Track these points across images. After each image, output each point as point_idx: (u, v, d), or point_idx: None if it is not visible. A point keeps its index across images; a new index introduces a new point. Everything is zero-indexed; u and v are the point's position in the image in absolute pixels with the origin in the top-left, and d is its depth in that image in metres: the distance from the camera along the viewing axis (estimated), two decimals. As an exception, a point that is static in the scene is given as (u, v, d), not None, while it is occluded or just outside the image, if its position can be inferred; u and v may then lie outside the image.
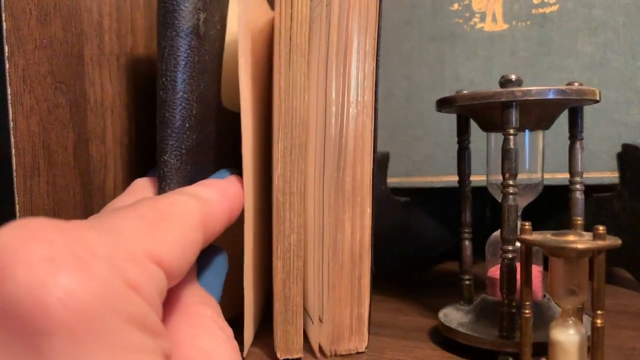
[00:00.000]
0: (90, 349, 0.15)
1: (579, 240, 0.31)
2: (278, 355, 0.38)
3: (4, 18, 0.36)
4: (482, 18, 0.57)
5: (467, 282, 0.44)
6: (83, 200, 0.41)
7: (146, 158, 0.47)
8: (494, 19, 0.57)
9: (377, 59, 0.38)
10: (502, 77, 0.36)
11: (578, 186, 0.40)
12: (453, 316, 0.41)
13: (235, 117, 0.44)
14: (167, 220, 0.22)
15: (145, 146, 0.47)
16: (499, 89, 0.36)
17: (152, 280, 0.19)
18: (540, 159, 0.40)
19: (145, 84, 0.47)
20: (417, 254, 0.63)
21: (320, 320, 0.39)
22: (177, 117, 0.37)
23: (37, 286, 0.15)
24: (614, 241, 0.31)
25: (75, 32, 0.41)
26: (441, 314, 0.42)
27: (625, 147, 0.54)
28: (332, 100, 0.38)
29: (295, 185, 0.39)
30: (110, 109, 0.44)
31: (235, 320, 0.44)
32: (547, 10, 0.56)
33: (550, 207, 0.60)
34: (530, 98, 0.35)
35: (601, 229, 0.30)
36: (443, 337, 0.41)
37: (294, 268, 0.39)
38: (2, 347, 0.15)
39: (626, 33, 0.55)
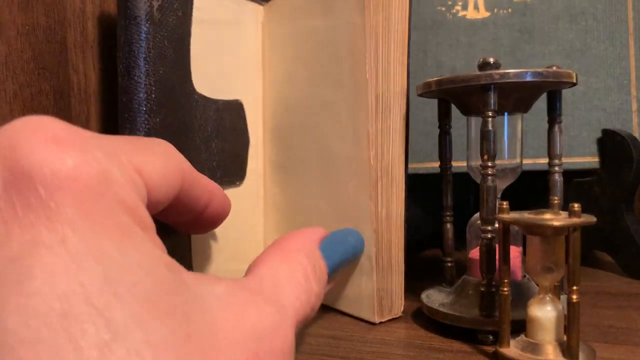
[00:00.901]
0: (91, 215, 0.17)
1: (554, 218, 0.32)
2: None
3: (-15, 4, 0.36)
4: (465, 6, 0.58)
5: (449, 265, 0.44)
6: (67, 187, 0.41)
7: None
8: (476, 7, 0.58)
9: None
10: (481, 60, 0.37)
11: (557, 168, 0.41)
12: (435, 297, 0.42)
13: (209, 101, 0.45)
14: (150, 149, 0.23)
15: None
16: (478, 72, 0.36)
17: (136, 185, 0.20)
18: (520, 142, 0.41)
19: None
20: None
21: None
22: (134, 102, 0.38)
23: (49, 160, 0.17)
24: (588, 219, 0.32)
25: (57, 19, 0.41)
26: (423, 295, 0.43)
27: (605, 132, 0.55)
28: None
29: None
30: (95, 96, 0.44)
31: None
32: (529, -3, 0.57)
33: (533, 193, 0.60)
34: (508, 80, 0.36)
35: (576, 206, 0.31)
36: (425, 318, 0.41)
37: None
38: (13, 212, 0.17)
39: (606, 20, 0.56)
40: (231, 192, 0.43)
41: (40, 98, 0.39)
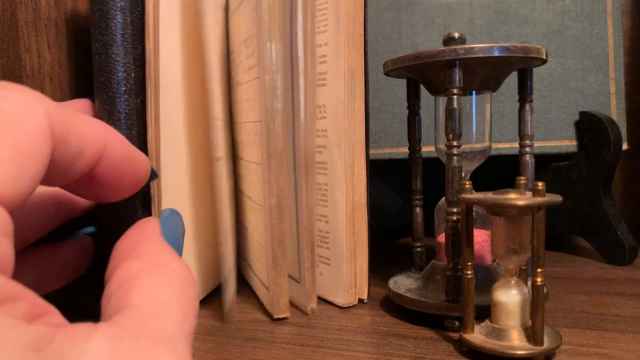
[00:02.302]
0: None
1: (519, 198, 0.30)
2: (275, 315, 0.39)
3: None
4: (440, -14, 0.56)
5: (419, 250, 0.43)
6: (19, 170, 0.39)
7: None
8: (452, -13, 0.56)
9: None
10: (446, 34, 0.35)
11: (527, 149, 0.39)
12: (402, 283, 0.41)
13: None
14: None
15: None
16: (442, 47, 0.35)
17: None
18: (489, 122, 0.40)
19: (85, 51, 0.45)
20: (375, 226, 0.62)
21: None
22: (113, 82, 0.36)
23: None
24: (553, 198, 0.30)
25: (6, -5, 0.39)
26: (391, 281, 0.41)
27: (582, 114, 0.54)
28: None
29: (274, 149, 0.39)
30: (49, 77, 0.42)
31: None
32: (505, -23, 0.55)
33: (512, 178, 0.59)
34: (474, 56, 0.34)
35: (540, 185, 0.30)
36: (393, 304, 0.40)
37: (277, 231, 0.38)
38: None
39: (584, 0, 0.55)
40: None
41: (-12, 77, 0.37)
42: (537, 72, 0.55)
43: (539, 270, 0.30)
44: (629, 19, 0.68)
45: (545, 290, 0.37)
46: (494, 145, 0.53)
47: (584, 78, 0.55)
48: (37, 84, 0.41)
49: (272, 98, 0.38)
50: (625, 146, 0.54)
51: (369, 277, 0.42)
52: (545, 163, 0.57)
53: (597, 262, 0.53)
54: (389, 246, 0.64)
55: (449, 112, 0.35)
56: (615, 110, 0.55)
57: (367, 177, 0.42)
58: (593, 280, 0.47)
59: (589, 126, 0.53)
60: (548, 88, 0.55)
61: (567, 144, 0.55)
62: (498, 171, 0.48)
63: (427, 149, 0.44)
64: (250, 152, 0.43)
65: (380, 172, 0.62)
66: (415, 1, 0.57)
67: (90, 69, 0.44)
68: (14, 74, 0.39)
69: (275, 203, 0.38)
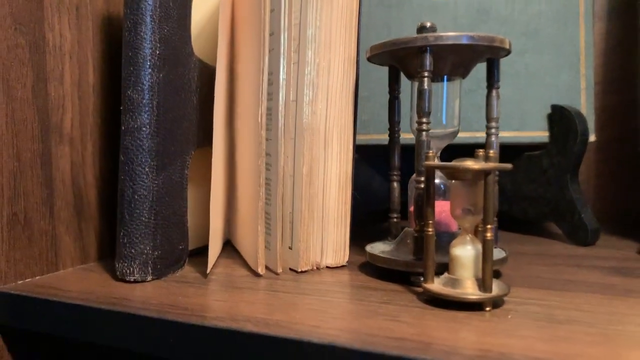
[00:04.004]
0: None
1: (474, 164, 0.35)
2: (259, 271, 0.44)
3: (-35, -40, 0.39)
4: (427, -14, 0.61)
5: (395, 220, 0.48)
6: (40, 135, 0.44)
7: (103, 103, 0.50)
8: (438, -13, 0.61)
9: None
10: (419, 24, 0.40)
11: (493, 130, 0.44)
12: (378, 247, 0.45)
13: (205, 66, 0.49)
14: None
15: (102, 91, 0.50)
16: (415, 35, 0.39)
17: None
18: (458, 107, 0.44)
19: (103, 34, 0.50)
20: (364, 207, 0.67)
21: (290, 248, 0.46)
22: (139, 57, 0.41)
23: None
24: (503, 165, 0.35)
25: (35, -20, 0.44)
26: (368, 246, 0.46)
27: (553, 107, 0.58)
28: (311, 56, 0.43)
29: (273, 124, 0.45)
30: (69, 55, 0.47)
31: (202, 249, 0.49)
32: (487, -20, 0.60)
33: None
34: (442, 43, 0.39)
35: (492, 152, 0.34)
36: (370, 267, 0.45)
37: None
38: None
39: (559, 3, 0.60)
40: (208, 151, 0.47)
41: (16, 51, 0.42)
42: (515, 68, 0.60)
43: (488, 226, 0.35)
44: (605, 23, 0.73)
45: (505, 254, 0.42)
46: (473, 134, 0.58)
47: (557, 74, 0.59)
48: (58, 61, 0.46)
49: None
50: (593, 138, 0.58)
51: (352, 247, 0.47)
52: (520, 152, 0.61)
53: (563, 244, 0.57)
54: (375, 227, 0.68)
55: (420, 92, 0.40)
56: (584, 104, 0.59)
57: (354, 154, 0.47)
58: (555, 256, 0.51)
59: (559, 118, 0.57)
60: (524, 82, 0.60)
61: (540, 134, 0.59)
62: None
63: (407, 135, 0.48)
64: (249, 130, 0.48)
65: (368, 156, 0.67)
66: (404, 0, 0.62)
67: (103, 51, 0.50)
68: (39, 50, 0.44)
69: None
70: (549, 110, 0.59)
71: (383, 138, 0.62)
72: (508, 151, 0.61)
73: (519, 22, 0.60)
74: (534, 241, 0.59)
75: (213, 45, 0.50)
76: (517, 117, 0.60)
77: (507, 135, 0.60)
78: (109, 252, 0.51)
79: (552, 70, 0.59)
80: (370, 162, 0.68)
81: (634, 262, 0.48)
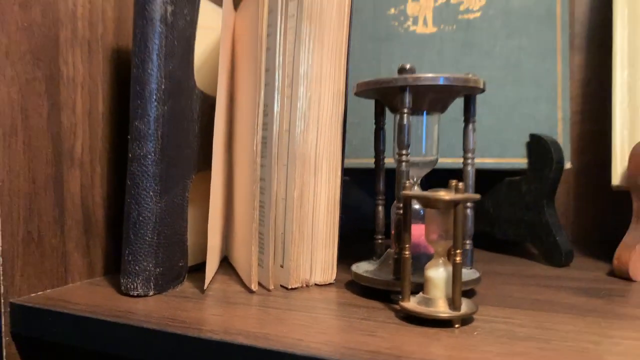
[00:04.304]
0: None
1: (446, 194, 0.39)
2: (252, 287, 0.48)
3: (-9, 3, 0.43)
4: (415, 22, 0.66)
5: (380, 241, 0.52)
6: (54, 160, 0.48)
7: (111, 129, 0.55)
8: (425, 23, 0.65)
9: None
10: (400, 65, 0.44)
11: (469, 161, 0.48)
12: (363, 266, 0.49)
13: (206, 96, 0.53)
14: None
15: (110, 119, 0.54)
16: (397, 76, 0.44)
17: None
18: (436, 138, 0.48)
19: (112, 66, 0.55)
20: (354, 227, 0.71)
21: (282, 266, 0.50)
22: (146, 91, 0.45)
23: None
24: (471, 195, 0.39)
25: (52, 18, 0.48)
26: (354, 266, 0.50)
27: (532, 136, 0.62)
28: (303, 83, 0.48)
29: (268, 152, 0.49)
30: (81, 86, 0.51)
31: (200, 265, 0.53)
32: (471, 16, 0.65)
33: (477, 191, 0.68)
34: (420, 84, 0.43)
35: (460, 185, 0.38)
36: (356, 285, 0.49)
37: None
38: None
39: (538, 38, 0.64)
40: (207, 174, 0.51)
41: (34, 83, 0.46)
42: (496, 99, 0.64)
43: (458, 251, 0.39)
44: (584, 56, 0.77)
45: (478, 275, 0.46)
46: (453, 161, 0.62)
47: (535, 105, 0.63)
48: (71, 91, 0.50)
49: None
50: (568, 165, 0.62)
51: (340, 265, 0.51)
52: (501, 177, 0.65)
53: (540, 265, 0.61)
54: (362, 245, 0.72)
55: (400, 127, 0.44)
56: (561, 134, 0.63)
57: (341, 179, 0.51)
58: (530, 277, 0.55)
59: (537, 147, 0.61)
60: (505, 113, 0.64)
61: (519, 161, 0.63)
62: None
63: (391, 160, 0.52)
64: (244, 157, 0.52)
65: (359, 179, 0.71)
66: (393, 34, 0.66)
67: (112, 82, 0.54)
68: (54, 82, 0.49)
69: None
70: (528, 139, 0.63)
71: (372, 162, 0.66)
72: (491, 176, 0.65)
73: (500, 56, 0.64)
74: (513, 261, 0.63)
75: (213, 77, 0.54)
76: (498, 144, 0.64)
77: (489, 161, 0.64)
78: (113, 268, 0.55)
79: (531, 101, 0.64)
80: (360, 184, 0.72)
81: (602, 283, 0.52)
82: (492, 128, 0.64)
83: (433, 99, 0.46)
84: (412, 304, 0.40)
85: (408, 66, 0.44)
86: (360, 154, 0.66)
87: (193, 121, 0.51)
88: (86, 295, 0.47)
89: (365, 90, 0.47)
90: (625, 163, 0.58)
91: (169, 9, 0.46)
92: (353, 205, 0.71)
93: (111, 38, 0.55)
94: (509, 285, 0.51)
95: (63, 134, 0.49)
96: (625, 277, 0.53)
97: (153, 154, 0.46)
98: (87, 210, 0.52)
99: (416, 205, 0.47)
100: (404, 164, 0.44)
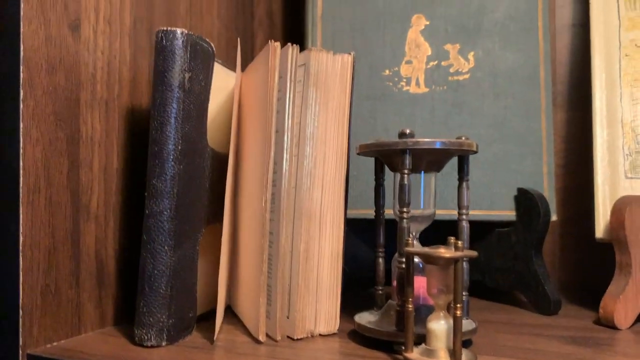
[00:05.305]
0: None
1: (446, 252, 0.42)
2: (260, 338, 0.50)
3: (21, 70, 0.46)
4: (408, 82, 0.70)
5: (380, 292, 0.54)
6: (72, 215, 0.51)
7: (124, 184, 0.57)
8: (417, 84, 0.70)
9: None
10: (400, 130, 0.48)
11: (464, 217, 0.51)
12: (365, 317, 0.52)
13: (216, 153, 0.56)
14: None
15: (123, 174, 0.57)
16: (397, 140, 0.47)
17: None
18: (433, 194, 0.52)
19: (126, 123, 0.58)
20: (349, 272, 0.73)
21: (288, 317, 0.52)
22: (164, 152, 0.48)
23: None
24: (470, 253, 0.42)
25: (74, 82, 0.52)
26: (356, 316, 0.52)
27: (519, 190, 0.66)
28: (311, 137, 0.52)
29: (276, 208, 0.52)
30: (98, 143, 0.54)
31: (210, 312, 0.55)
32: (461, 78, 0.69)
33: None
34: (419, 147, 0.47)
35: (460, 243, 0.42)
36: (358, 335, 0.51)
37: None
38: None
39: (523, 98, 0.69)
40: (217, 227, 0.53)
41: (56, 143, 0.49)
42: (484, 155, 0.68)
43: (458, 305, 0.42)
44: (566, 113, 0.82)
45: (475, 325, 0.49)
46: (449, 213, 0.66)
47: (521, 161, 0.68)
48: (89, 149, 0.53)
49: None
50: (554, 217, 0.66)
51: (343, 314, 0.54)
52: (491, 228, 0.69)
53: (530, 313, 0.64)
54: (361, 292, 0.75)
55: (400, 186, 0.47)
56: (547, 187, 0.67)
57: (344, 232, 0.54)
58: (521, 325, 0.58)
59: (524, 200, 0.65)
60: (492, 168, 0.68)
61: (508, 213, 0.67)
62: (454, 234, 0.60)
63: (390, 212, 0.55)
64: (253, 209, 0.55)
65: (357, 229, 0.74)
66: (388, 93, 0.70)
67: (126, 139, 0.57)
68: (74, 141, 0.51)
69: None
70: (515, 192, 0.67)
71: (370, 213, 0.69)
72: (482, 227, 0.68)
73: (488, 115, 0.69)
74: (504, 309, 0.66)
75: (220, 134, 0.58)
76: (487, 198, 0.67)
77: (479, 213, 0.67)
78: (123, 318, 0.57)
79: (517, 157, 0.68)
80: (356, 232, 0.75)
81: (589, 332, 0.55)
82: (481, 182, 0.67)
83: (430, 160, 0.49)
84: (415, 354, 0.43)
85: (408, 131, 0.47)
86: (359, 205, 0.70)
87: (205, 178, 0.54)
88: (101, 346, 0.49)
89: (368, 151, 0.50)
90: (608, 217, 0.62)
91: (187, 75, 0.50)
92: (350, 254, 0.73)
93: (126, 97, 0.58)
94: (502, 334, 0.54)
95: (81, 190, 0.52)
96: (611, 326, 0.56)
97: (169, 211, 0.48)
98: (100, 262, 0.54)
99: (416, 259, 0.50)
100: (404, 220, 0.48)
